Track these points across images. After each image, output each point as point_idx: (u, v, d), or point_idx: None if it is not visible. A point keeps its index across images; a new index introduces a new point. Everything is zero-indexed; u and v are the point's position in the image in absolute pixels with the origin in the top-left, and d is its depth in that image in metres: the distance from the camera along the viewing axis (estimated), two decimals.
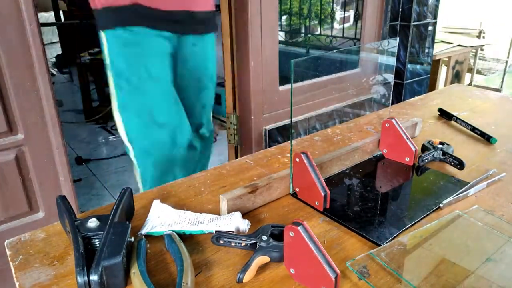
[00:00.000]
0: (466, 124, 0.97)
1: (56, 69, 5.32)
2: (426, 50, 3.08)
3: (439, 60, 3.57)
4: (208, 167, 0.84)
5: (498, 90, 3.77)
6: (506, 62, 4.18)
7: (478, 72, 4.23)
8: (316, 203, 0.66)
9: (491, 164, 0.81)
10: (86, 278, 0.47)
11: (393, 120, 0.78)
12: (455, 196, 0.68)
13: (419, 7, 2.87)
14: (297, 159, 0.67)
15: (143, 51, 1.14)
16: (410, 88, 3.12)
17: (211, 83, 1.37)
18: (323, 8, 3.04)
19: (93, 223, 0.55)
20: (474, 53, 4.18)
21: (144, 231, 0.60)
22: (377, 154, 0.84)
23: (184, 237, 0.60)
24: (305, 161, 0.66)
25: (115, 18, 1.12)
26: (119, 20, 1.12)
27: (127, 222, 0.56)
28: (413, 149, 0.77)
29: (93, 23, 1.17)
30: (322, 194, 0.65)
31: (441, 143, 0.82)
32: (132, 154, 1.22)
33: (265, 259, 0.54)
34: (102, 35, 1.15)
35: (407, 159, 0.79)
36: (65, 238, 0.60)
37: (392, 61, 0.81)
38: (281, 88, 2.93)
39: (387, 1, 2.90)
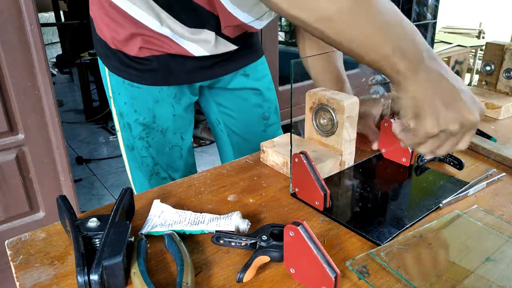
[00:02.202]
0: None
1: (56, 69, 5.33)
2: None
3: None
4: (208, 167, 0.85)
5: None
6: None
7: (478, 72, 4.23)
8: (316, 203, 0.67)
9: (490, 164, 0.81)
10: (86, 277, 0.47)
11: (392, 120, 0.78)
12: (454, 196, 0.69)
13: (418, 7, 2.87)
14: (297, 160, 0.67)
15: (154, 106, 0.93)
16: None
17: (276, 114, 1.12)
18: None
19: (93, 223, 0.56)
20: (473, 53, 4.18)
21: (144, 231, 0.61)
22: (377, 154, 0.84)
23: (184, 236, 0.60)
24: (305, 161, 0.66)
25: (127, 72, 0.89)
26: (130, 75, 0.89)
27: (128, 222, 0.56)
28: (410, 150, 0.78)
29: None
30: (322, 193, 0.65)
31: None
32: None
33: (265, 258, 0.54)
34: (105, 70, 0.93)
35: (403, 159, 0.79)
36: (66, 238, 0.61)
37: None
38: (281, 88, 2.93)
39: None
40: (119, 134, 0.98)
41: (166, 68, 0.89)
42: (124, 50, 0.87)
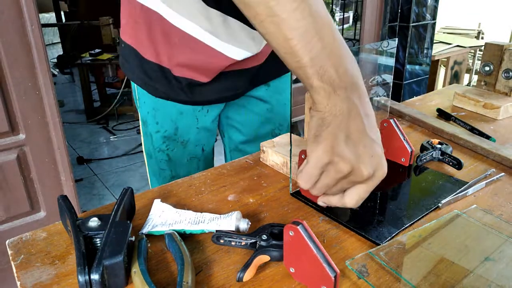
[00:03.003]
0: (465, 124, 0.97)
1: (57, 70, 5.33)
2: (425, 51, 3.08)
3: (438, 60, 3.57)
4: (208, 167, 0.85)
5: None
6: None
7: (477, 73, 4.23)
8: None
9: (489, 164, 0.81)
10: (87, 277, 0.48)
11: (391, 120, 0.79)
12: (453, 195, 0.69)
13: (418, 8, 2.87)
14: (302, 156, 0.67)
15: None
16: (409, 89, 3.12)
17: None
18: None
19: (94, 222, 0.56)
20: (472, 54, 4.18)
21: (145, 230, 0.61)
22: None
23: (185, 236, 0.61)
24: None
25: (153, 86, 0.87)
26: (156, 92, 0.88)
27: (128, 222, 0.56)
28: (409, 150, 0.78)
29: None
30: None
31: (440, 143, 0.83)
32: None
33: (265, 258, 0.54)
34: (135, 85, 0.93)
35: (403, 159, 0.79)
36: (66, 237, 0.61)
37: (391, 62, 0.81)
38: None
39: (386, 2, 2.91)
40: (142, 138, 0.97)
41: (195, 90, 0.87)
42: (171, 70, 0.85)
